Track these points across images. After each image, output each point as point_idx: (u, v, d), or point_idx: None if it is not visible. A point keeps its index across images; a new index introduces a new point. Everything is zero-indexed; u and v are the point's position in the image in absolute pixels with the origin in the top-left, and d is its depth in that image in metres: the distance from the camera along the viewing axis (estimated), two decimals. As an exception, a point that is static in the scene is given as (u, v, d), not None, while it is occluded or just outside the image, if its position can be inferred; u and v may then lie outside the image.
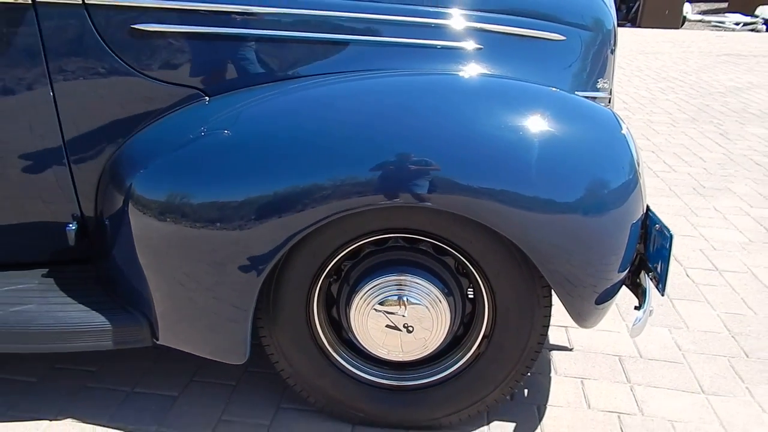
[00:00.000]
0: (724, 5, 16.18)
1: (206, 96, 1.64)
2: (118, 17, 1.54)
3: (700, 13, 15.40)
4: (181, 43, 1.59)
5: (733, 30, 13.20)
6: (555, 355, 1.91)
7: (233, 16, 1.62)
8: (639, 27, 13.67)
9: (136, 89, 1.59)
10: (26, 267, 1.81)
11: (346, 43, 1.67)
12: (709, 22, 14.11)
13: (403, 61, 1.69)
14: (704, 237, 2.78)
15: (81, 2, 1.50)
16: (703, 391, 1.75)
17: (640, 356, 1.91)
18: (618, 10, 13.89)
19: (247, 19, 1.63)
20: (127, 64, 1.57)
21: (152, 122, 1.64)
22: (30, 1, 1.49)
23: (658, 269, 1.44)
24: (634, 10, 14.10)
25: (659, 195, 3.31)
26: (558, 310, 1.71)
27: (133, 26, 1.55)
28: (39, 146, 1.64)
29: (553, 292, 1.45)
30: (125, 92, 1.59)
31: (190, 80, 1.62)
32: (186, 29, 1.60)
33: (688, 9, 14.21)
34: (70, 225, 1.71)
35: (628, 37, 11.58)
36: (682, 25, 13.65)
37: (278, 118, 1.53)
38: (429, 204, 1.37)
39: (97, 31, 1.53)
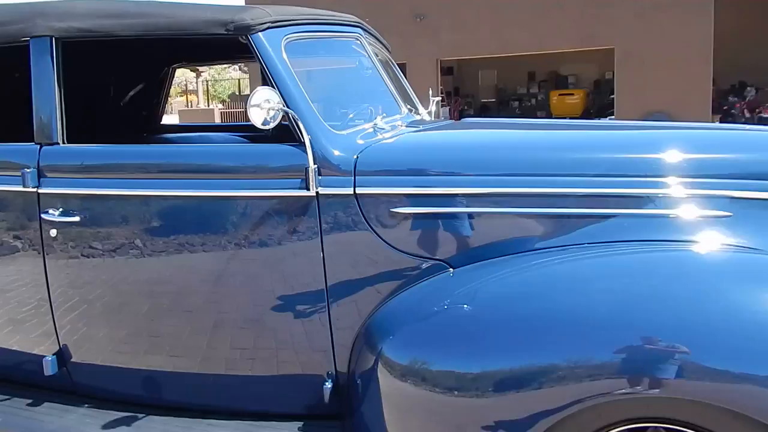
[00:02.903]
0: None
1: (450, 268, 1.91)
2: (380, 203, 1.96)
3: None
4: (431, 222, 1.95)
5: None
6: None
7: (479, 197, 1.92)
8: None
9: (391, 261, 1.94)
10: (275, 418, 2.06)
11: (588, 217, 1.84)
12: None
13: (645, 233, 1.77)
14: None
15: (352, 193, 1.95)
16: None
17: None
18: None
19: (491, 199, 1.91)
20: (385, 240, 1.95)
21: (402, 291, 1.92)
22: (314, 194, 1.93)
23: None
24: None
25: None
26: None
27: (392, 210, 1.95)
28: (306, 305, 2.00)
29: None
30: (382, 264, 1.95)
31: (437, 253, 1.93)
32: (437, 210, 1.96)
33: None
34: (327, 383, 1.98)
35: None
36: None
37: (520, 299, 1.66)
38: (688, 396, 1.34)
39: (362, 214, 1.96)
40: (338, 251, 1.99)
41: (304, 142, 1.95)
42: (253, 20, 2.03)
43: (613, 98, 15.22)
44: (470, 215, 1.94)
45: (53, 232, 2.20)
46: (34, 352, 2.36)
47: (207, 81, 27.91)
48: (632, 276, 1.58)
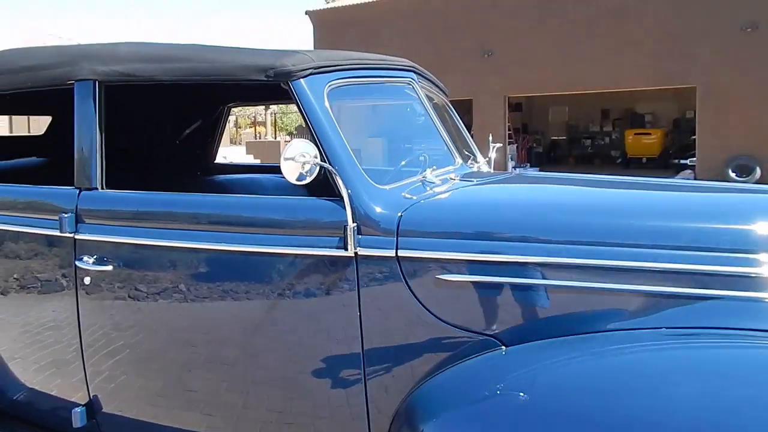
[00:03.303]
0: None
1: (503, 345, 1.72)
2: (424, 268, 1.79)
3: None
4: (482, 292, 1.77)
5: None
6: None
7: (542, 267, 1.72)
8: None
9: (435, 333, 1.77)
10: None
11: (672, 296, 1.61)
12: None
13: (742, 320, 1.54)
14: None
15: (394, 255, 1.78)
16: None
17: None
18: None
19: (556, 270, 1.71)
20: (429, 309, 1.77)
21: (448, 367, 1.74)
22: (352, 254, 1.78)
23: None
24: None
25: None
26: None
27: (438, 276, 1.76)
28: (341, 371, 1.88)
29: None
30: (425, 334, 1.78)
31: (488, 328, 1.75)
32: (491, 279, 1.76)
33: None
34: None
35: None
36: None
37: (586, 394, 1.46)
38: None
39: (405, 279, 1.79)
40: (377, 317, 1.85)
41: (342, 198, 1.82)
42: (295, 66, 1.92)
43: (694, 139, 14.52)
44: (530, 287, 1.74)
45: (87, 280, 2.15)
46: (64, 400, 2.30)
47: (275, 113, 28.72)
48: (726, 378, 1.33)
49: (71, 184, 2.21)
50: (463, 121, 3.03)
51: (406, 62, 2.51)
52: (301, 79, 1.93)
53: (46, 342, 2.32)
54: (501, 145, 3.48)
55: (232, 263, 2.00)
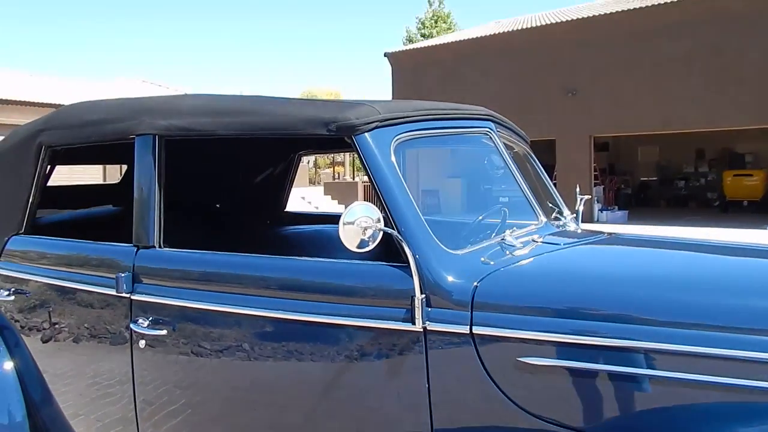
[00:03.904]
0: None
1: None
2: (503, 348, 1.58)
3: None
4: (573, 380, 1.55)
5: None
6: None
7: (643, 353, 1.50)
8: None
9: (516, 423, 1.57)
10: None
11: None
12: None
13: None
14: None
15: (468, 332, 1.59)
16: None
17: None
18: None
19: (660, 358, 1.49)
20: (509, 396, 1.57)
21: None
22: (420, 329, 1.62)
23: None
24: None
25: None
26: None
27: (519, 359, 1.55)
28: None
29: None
30: (504, 424, 1.59)
31: (577, 423, 1.54)
32: (583, 366, 1.53)
33: None
34: None
35: None
36: None
37: None
38: None
39: (480, 360, 1.59)
40: (448, 402, 1.65)
41: (409, 264, 1.63)
42: (359, 119, 1.78)
43: (803, 181, 13.43)
44: (632, 378, 1.49)
45: (142, 343, 2.06)
46: None
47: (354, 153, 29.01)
48: None
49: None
50: (545, 162, 2.77)
51: (483, 110, 2.32)
52: (366, 134, 1.78)
53: (102, 402, 2.25)
54: (589, 197, 3.21)
55: (293, 331, 1.85)
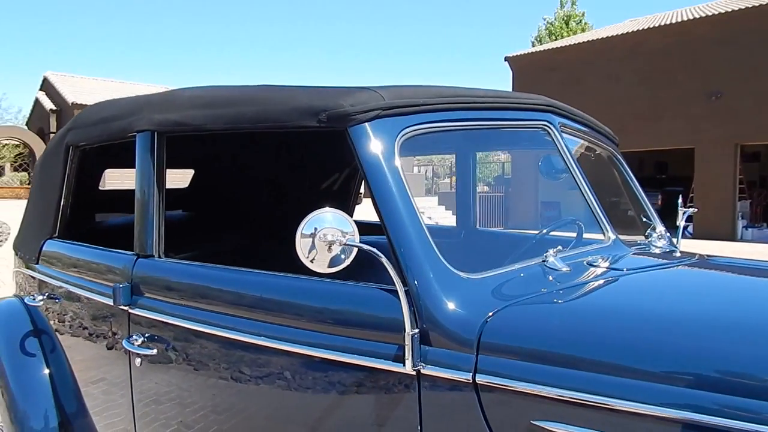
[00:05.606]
0: None
1: None
2: (515, 406, 1.24)
3: None
4: None
5: None
6: None
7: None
8: None
9: None
10: None
11: None
12: None
13: None
14: None
15: (470, 380, 1.25)
16: None
17: None
18: None
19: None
20: None
21: None
22: (412, 372, 1.30)
23: None
24: None
25: None
26: None
27: (533, 422, 1.21)
28: None
29: None
30: None
31: None
32: None
33: None
34: None
35: None
36: None
37: None
38: None
39: (485, 419, 1.26)
40: None
41: (396, 290, 1.29)
42: (353, 107, 1.46)
43: None
44: None
45: (138, 361, 1.88)
46: None
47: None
48: None
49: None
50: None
51: (542, 99, 1.92)
52: (365, 124, 1.46)
53: (103, 414, 2.15)
54: (695, 210, 2.66)
55: (283, 359, 1.57)
